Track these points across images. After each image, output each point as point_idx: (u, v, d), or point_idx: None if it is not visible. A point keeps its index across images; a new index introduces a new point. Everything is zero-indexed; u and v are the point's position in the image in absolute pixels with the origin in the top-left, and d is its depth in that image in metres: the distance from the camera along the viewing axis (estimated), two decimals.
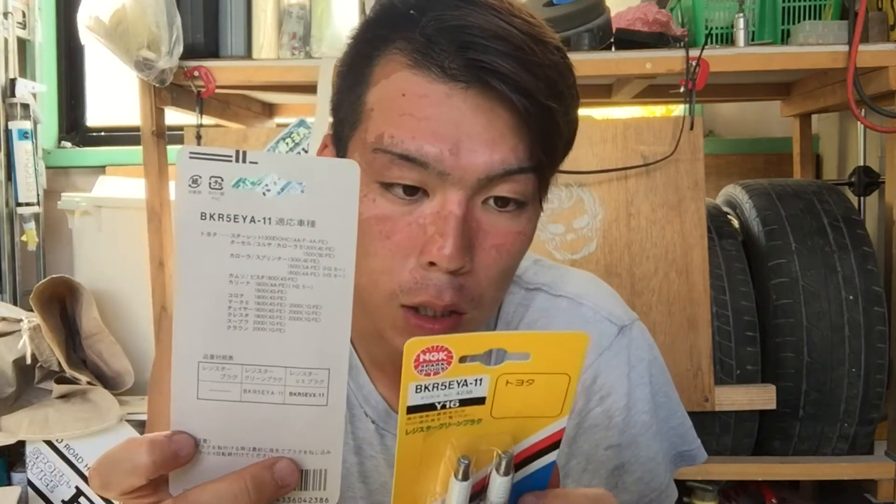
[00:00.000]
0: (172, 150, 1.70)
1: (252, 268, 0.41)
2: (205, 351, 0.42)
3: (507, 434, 0.44)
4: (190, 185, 0.39)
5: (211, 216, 0.39)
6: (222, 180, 0.39)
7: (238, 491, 0.42)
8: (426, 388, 0.41)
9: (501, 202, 0.60)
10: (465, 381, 0.42)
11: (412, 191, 0.59)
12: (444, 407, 0.42)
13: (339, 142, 0.66)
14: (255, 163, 0.39)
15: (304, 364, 0.42)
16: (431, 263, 0.58)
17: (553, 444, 0.45)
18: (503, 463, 0.44)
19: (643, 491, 0.74)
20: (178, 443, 0.43)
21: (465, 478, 0.43)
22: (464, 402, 0.43)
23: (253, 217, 0.40)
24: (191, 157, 0.39)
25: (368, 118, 0.61)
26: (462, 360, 0.42)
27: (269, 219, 0.40)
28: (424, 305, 0.60)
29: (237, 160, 0.39)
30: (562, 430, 0.44)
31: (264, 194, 0.40)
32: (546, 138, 0.60)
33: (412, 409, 0.42)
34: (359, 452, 0.76)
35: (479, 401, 0.43)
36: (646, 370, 0.74)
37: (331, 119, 0.69)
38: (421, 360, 0.41)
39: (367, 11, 0.67)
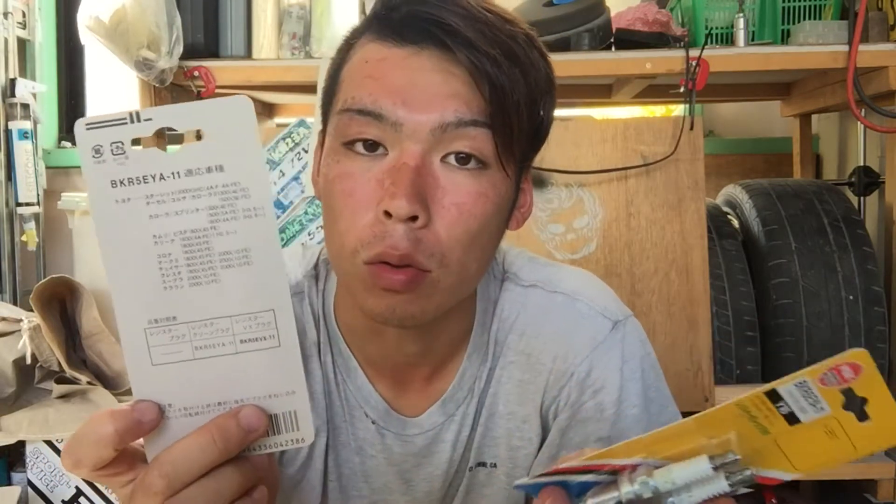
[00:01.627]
0: (173, 150, 1.69)
1: (173, 225, 0.40)
2: (147, 317, 0.42)
3: (766, 458, 0.42)
4: (94, 157, 0.39)
5: (121, 182, 0.39)
6: (123, 144, 0.39)
7: (205, 443, 0.43)
8: (802, 385, 0.41)
9: (461, 160, 0.62)
10: (815, 397, 0.41)
11: (373, 147, 0.62)
12: (779, 407, 0.41)
13: (324, 126, 0.68)
14: (150, 119, 0.39)
15: (248, 310, 0.42)
16: (387, 214, 0.60)
17: (762, 486, 0.44)
18: (739, 475, 0.42)
19: None
20: (140, 410, 0.43)
21: (717, 468, 0.42)
22: (788, 417, 0.41)
23: (161, 174, 0.39)
24: (88, 129, 0.39)
25: (339, 91, 0.65)
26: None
27: (178, 172, 0.40)
28: (382, 258, 0.61)
29: (132, 121, 0.39)
30: (782, 480, 0.43)
31: (167, 150, 0.40)
32: (500, 94, 0.62)
33: (770, 395, 0.41)
34: (360, 453, 0.77)
35: (794, 420, 0.41)
36: (638, 365, 0.75)
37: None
38: (845, 368, 0.40)
39: (367, 12, 0.68)
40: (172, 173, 0.40)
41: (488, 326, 0.76)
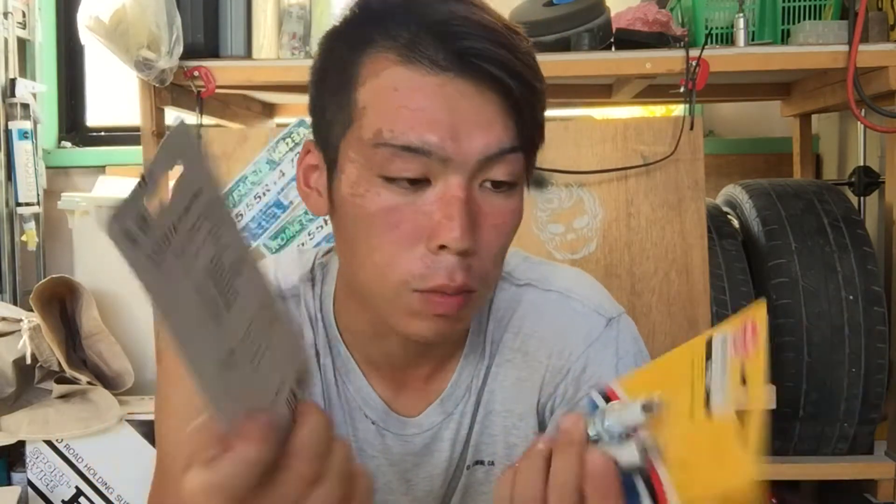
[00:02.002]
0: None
1: (197, 265, 0.40)
2: (215, 358, 0.41)
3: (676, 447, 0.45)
4: (128, 242, 0.37)
5: (152, 251, 0.39)
6: (145, 215, 0.38)
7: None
8: (723, 341, 0.46)
9: (496, 183, 0.63)
10: (726, 376, 0.45)
11: (414, 181, 0.62)
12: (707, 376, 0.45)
13: (328, 144, 0.67)
14: (151, 174, 0.38)
15: (263, 301, 0.44)
16: (441, 247, 0.61)
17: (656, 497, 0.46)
18: (654, 404, 0.46)
19: None
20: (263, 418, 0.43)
21: (645, 411, 0.46)
22: (707, 391, 0.45)
23: (173, 225, 0.39)
24: (115, 219, 0.37)
25: (362, 116, 0.63)
26: None
27: (180, 216, 0.39)
28: (440, 289, 0.62)
29: (142, 185, 0.38)
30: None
31: (163, 201, 0.39)
32: (534, 117, 0.63)
33: (708, 343, 0.46)
34: (361, 454, 0.77)
35: (707, 401, 0.45)
36: (633, 361, 0.76)
37: (309, 122, 0.70)
38: (749, 325, 0.44)
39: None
40: (179, 218, 0.40)
41: (484, 326, 0.76)
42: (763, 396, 0.42)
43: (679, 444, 0.45)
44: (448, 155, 0.60)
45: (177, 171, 0.40)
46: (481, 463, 0.77)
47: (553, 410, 0.76)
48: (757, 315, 0.44)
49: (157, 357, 1.68)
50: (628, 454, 0.46)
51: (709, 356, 0.45)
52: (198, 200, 0.40)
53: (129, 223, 0.37)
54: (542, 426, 0.77)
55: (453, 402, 0.76)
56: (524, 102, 0.62)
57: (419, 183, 0.62)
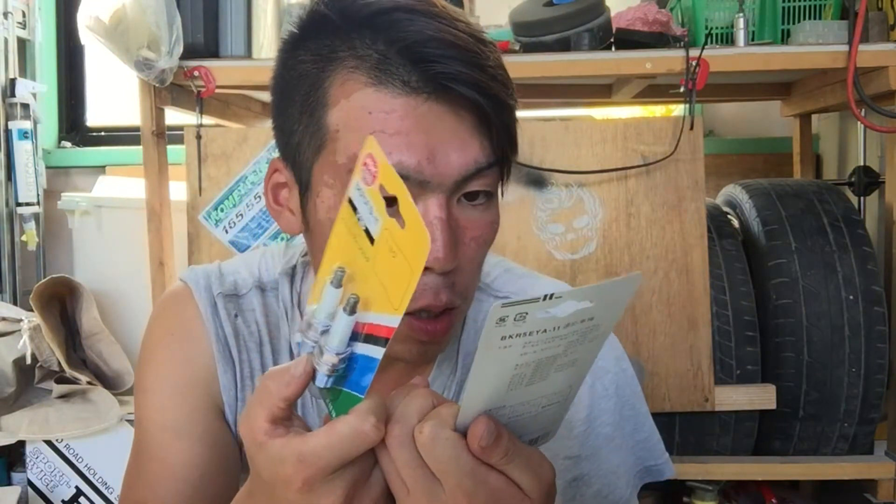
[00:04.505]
0: (173, 149, 1.70)
1: (535, 356, 0.44)
2: (484, 408, 0.47)
3: (369, 292, 0.48)
4: (497, 323, 0.41)
5: (510, 336, 0.42)
6: (527, 314, 0.42)
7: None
8: (359, 189, 0.48)
9: (472, 196, 0.63)
10: (371, 209, 0.47)
11: (392, 201, 0.61)
12: (359, 220, 0.48)
13: (299, 166, 0.66)
14: (560, 297, 0.42)
15: (561, 389, 0.48)
16: (426, 268, 0.59)
17: (383, 339, 0.47)
18: (351, 303, 0.47)
19: None
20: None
21: (338, 286, 0.48)
22: (366, 232, 0.47)
23: (545, 329, 0.43)
24: (503, 307, 0.41)
25: (336, 140, 0.62)
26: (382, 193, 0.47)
27: (559, 327, 0.43)
28: (425, 309, 0.62)
29: (544, 299, 0.42)
30: (394, 328, 0.47)
31: (559, 315, 0.43)
32: (507, 131, 0.63)
33: (350, 203, 0.48)
34: None
35: (371, 240, 0.47)
36: (612, 382, 0.74)
37: (274, 141, 0.70)
38: (366, 163, 0.47)
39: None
40: (554, 327, 0.43)
41: (458, 337, 0.76)
42: (402, 189, 0.45)
43: (370, 284, 0.47)
44: (426, 178, 0.60)
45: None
46: None
47: None
48: (368, 148, 0.47)
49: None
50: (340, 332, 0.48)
51: (355, 209, 0.48)
52: (584, 324, 0.44)
53: (508, 311, 0.41)
54: None
55: None
56: (497, 119, 0.62)
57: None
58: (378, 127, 0.60)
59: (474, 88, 0.59)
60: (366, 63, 0.60)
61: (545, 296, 0.41)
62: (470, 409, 0.46)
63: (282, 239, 1.58)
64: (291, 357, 0.76)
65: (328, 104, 0.62)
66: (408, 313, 0.60)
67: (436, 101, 0.60)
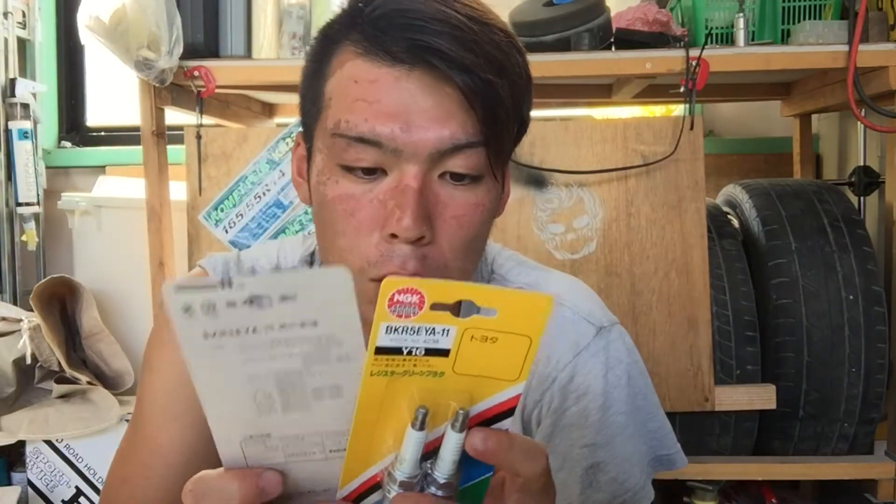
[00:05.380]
0: (172, 149, 1.70)
1: (267, 367, 0.42)
2: (243, 433, 0.44)
3: (467, 392, 0.45)
4: (183, 313, 0.39)
5: (213, 334, 0.40)
6: (215, 305, 0.39)
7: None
8: (396, 330, 0.42)
9: (456, 177, 0.63)
10: (434, 329, 0.42)
11: (370, 171, 0.63)
12: (409, 353, 0.43)
13: (308, 134, 0.69)
14: (242, 285, 0.39)
15: (338, 428, 0.45)
16: (393, 235, 0.61)
17: (508, 411, 0.45)
18: (460, 419, 0.44)
19: (616, 491, 0.74)
20: (266, 479, 0.45)
21: (422, 427, 0.44)
22: (429, 352, 0.43)
23: (255, 328, 0.40)
24: (177, 292, 0.38)
25: (328, 107, 0.65)
26: (433, 307, 0.42)
27: (271, 326, 0.40)
28: None
29: (223, 287, 0.39)
30: (518, 395, 0.45)
31: (259, 308, 0.40)
32: (492, 113, 0.63)
33: (380, 351, 0.42)
34: None
35: (444, 353, 0.43)
36: (624, 372, 0.75)
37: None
38: (395, 300, 0.41)
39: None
40: (266, 327, 0.40)
41: None
42: (468, 288, 0.42)
43: (449, 392, 0.45)
44: (398, 146, 0.61)
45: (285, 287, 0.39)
46: None
47: (540, 420, 0.75)
48: (389, 288, 0.42)
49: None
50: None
51: (394, 352, 0.43)
52: (306, 328, 0.41)
53: (189, 298, 0.38)
54: (525, 432, 0.76)
55: None
56: (484, 97, 0.61)
57: (375, 172, 0.63)
58: (360, 95, 0.62)
59: (457, 65, 0.60)
60: (361, 35, 0.63)
61: (222, 279, 0.39)
62: (222, 436, 0.44)
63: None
64: None
65: (327, 74, 0.65)
66: (376, 280, 0.62)
67: (421, 75, 0.61)
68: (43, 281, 1.89)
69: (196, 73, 1.56)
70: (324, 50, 0.67)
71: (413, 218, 0.60)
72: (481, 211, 0.65)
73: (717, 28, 1.62)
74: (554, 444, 0.74)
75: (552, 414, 0.74)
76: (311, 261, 0.79)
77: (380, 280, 0.61)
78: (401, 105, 0.61)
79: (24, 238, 2.15)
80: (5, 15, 2.13)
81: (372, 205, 0.63)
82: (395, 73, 0.61)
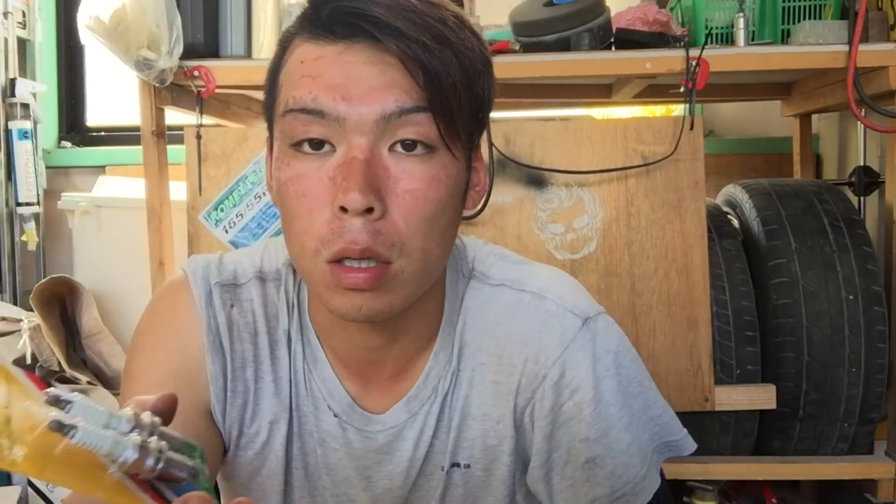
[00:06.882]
0: (172, 149, 1.70)
1: None
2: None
3: None
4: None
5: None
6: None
7: None
8: None
9: (408, 146, 0.63)
10: None
11: (319, 145, 0.64)
12: None
13: (269, 130, 0.70)
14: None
15: None
16: (343, 210, 0.61)
17: None
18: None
19: (615, 485, 0.74)
20: None
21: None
22: None
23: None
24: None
25: (279, 94, 0.66)
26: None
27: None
28: (343, 254, 0.62)
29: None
30: None
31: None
32: (436, 79, 0.63)
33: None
34: (322, 444, 0.77)
35: None
36: (612, 362, 0.74)
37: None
38: None
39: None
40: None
41: (454, 326, 0.76)
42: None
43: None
44: (340, 115, 0.62)
45: None
46: (458, 465, 0.77)
47: (533, 418, 0.75)
48: None
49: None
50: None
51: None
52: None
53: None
54: (517, 429, 0.76)
55: (419, 403, 0.75)
56: (424, 64, 0.62)
57: (323, 149, 0.63)
58: (306, 72, 0.64)
59: (392, 31, 0.61)
60: (308, 23, 0.66)
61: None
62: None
63: None
64: (289, 349, 0.77)
65: (280, 67, 0.68)
66: (332, 261, 0.62)
67: (364, 48, 0.62)
68: (43, 281, 1.89)
69: (196, 73, 1.56)
70: (280, 51, 0.69)
71: (359, 188, 0.60)
72: (438, 185, 0.64)
73: (717, 28, 1.62)
74: (556, 440, 0.74)
75: (549, 413, 0.74)
76: None
77: (334, 261, 0.62)
78: (342, 75, 0.62)
79: (24, 238, 2.15)
80: (5, 15, 2.13)
81: (322, 183, 0.63)
82: (337, 49, 0.63)
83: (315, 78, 0.63)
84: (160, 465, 0.41)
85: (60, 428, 0.38)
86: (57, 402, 0.39)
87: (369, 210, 0.61)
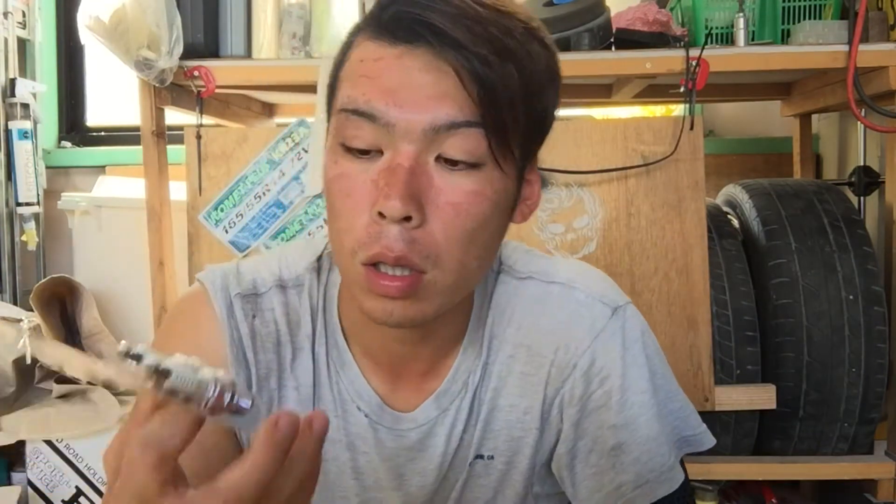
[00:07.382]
0: (172, 149, 1.70)
1: None
2: None
3: None
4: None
5: None
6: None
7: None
8: None
9: (453, 161, 0.62)
10: None
11: (366, 151, 0.63)
12: None
13: (328, 120, 0.69)
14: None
15: None
16: (381, 215, 0.61)
17: None
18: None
19: (640, 471, 0.74)
20: None
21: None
22: None
23: None
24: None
25: (339, 90, 0.66)
26: None
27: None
28: (378, 259, 0.62)
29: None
30: None
31: None
32: (493, 95, 0.62)
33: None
34: (351, 448, 0.77)
35: None
36: (641, 351, 0.75)
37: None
38: None
39: (367, 11, 0.69)
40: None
41: (484, 320, 0.76)
42: None
43: None
44: (391, 121, 0.61)
45: None
46: (481, 457, 0.77)
47: (563, 407, 0.75)
48: None
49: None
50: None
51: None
52: None
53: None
54: (544, 420, 0.76)
55: (449, 398, 0.75)
56: (480, 78, 0.60)
57: (371, 153, 0.63)
58: (364, 72, 0.63)
59: (450, 42, 0.60)
60: (373, 21, 0.65)
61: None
62: None
63: (281, 239, 1.58)
64: (313, 353, 0.76)
65: (343, 62, 0.67)
66: (367, 264, 0.62)
67: (422, 54, 0.61)
68: (43, 281, 1.89)
69: (196, 73, 1.56)
70: (343, 48, 0.68)
71: (400, 196, 0.60)
72: (481, 201, 0.63)
73: (717, 28, 1.62)
74: (583, 427, 0.74)
75: (578, 402, 0.74)
76: (318, 266, 0.78)
77: (368, 264, 0.62)
78: (397, 80, 0.61)
79: (24, 238, 2.15)
80: (5, 15, 2.13)
81: (365, 185, 0.62)
82: (397, 52, 0.62)
83: (371, 79, 0.62)
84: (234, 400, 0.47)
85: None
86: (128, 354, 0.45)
87: (407, 218, 0.61)
